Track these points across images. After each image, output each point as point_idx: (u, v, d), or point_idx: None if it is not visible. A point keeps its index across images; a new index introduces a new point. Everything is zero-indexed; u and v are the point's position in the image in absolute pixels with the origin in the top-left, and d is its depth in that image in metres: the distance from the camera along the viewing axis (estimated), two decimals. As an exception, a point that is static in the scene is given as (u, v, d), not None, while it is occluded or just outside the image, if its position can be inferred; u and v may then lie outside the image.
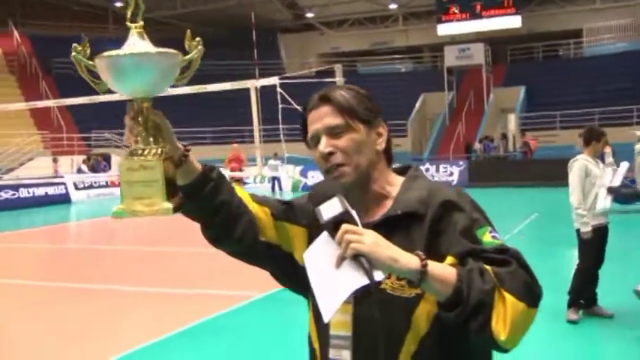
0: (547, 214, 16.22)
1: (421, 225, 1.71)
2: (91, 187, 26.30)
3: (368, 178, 1.79)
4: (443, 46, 33.51)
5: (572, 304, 6.79)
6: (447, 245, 1.66)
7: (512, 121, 29.65)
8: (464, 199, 1.75)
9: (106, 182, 27.12)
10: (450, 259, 1.62)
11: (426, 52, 39.62)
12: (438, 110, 32.96)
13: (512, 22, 33.66)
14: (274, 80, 9.34)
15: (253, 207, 1.87)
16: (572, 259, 7.45)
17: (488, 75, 32.42)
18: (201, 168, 1.74)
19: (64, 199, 24.65)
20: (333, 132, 1.75)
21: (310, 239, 1.79)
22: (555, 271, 8.69)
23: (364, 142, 1.77)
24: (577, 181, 6.62)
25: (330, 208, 1.59)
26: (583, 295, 6.85)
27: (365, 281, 1.49)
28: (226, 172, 16.10)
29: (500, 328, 1.53)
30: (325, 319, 1.55)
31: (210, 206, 1.76)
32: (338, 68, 9.49)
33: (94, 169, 28.01)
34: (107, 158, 29.13)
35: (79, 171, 27.54)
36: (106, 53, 1.56)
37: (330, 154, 1.74)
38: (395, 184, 1.84)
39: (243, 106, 10.24)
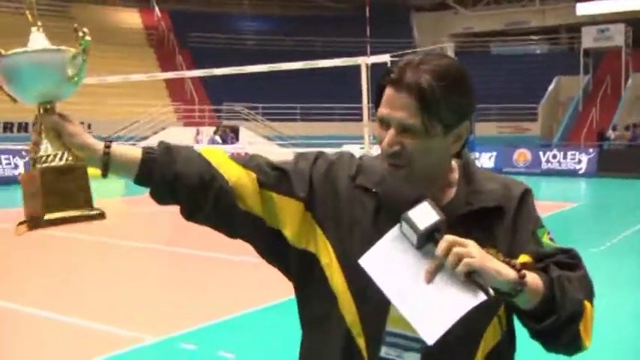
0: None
1: (502, 220, 1.59)
2: (218, 158, 27.08)
3: (430, 178, 1.59)
4: (581, 27, 32.06)
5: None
6: (519, 243, 1.59)
7: (651, 109, 28.02)
8: (531, 192, 1.67)
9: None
10: (524, 258, 1.55)
11: (563, 33, 38.03)
12: (572, 94, 31.62)
13: (658, 2, 31.66)
14: (385, 58, 9.24)
15: (234, 171, 1.61)
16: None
17: (627, 58, 30.71)
18: (141, 155, 1.55)
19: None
20: (405, 129, 1.50)
21: (308, 214, 1.63)
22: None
23: (436, 149, 1.54)
24: None
25: (423, 216, 1.42)
26: None
27: (482, 298, 1.37)
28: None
29: (585, 335, 1.52)
30: (430, 342, 1.38)
31: (169, 188, 1.57)
32: (450, 47, 9.25)
33: (223, 141, 28.92)
34: (235, 130, 29.97)
35: (213, 142, 28.50)
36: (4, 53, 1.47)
37: (395, 153, 1.52)
38: (454, 169, 1.66)
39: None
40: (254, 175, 1.62)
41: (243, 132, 30.06)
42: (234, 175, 1.60)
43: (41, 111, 1.51)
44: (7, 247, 9.64)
